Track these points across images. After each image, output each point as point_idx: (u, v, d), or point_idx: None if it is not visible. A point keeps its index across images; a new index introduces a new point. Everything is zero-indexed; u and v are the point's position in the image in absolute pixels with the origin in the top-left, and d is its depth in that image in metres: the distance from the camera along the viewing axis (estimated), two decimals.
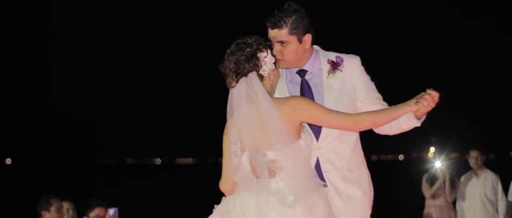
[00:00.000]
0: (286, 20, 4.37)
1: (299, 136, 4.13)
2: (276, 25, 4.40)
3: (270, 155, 4.08)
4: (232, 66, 4.17)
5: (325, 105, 4.30)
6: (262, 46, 4.18)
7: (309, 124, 4.31)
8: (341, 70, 4.50)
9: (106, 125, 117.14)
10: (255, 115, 4.11)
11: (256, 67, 4.16)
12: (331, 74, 4.51)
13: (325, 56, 4.56)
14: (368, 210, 4.54)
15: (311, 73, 4.54)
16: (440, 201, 11.12)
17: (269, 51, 4.20)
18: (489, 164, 11.04)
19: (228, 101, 4.22)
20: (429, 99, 4.13)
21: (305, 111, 4.11)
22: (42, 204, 8.52)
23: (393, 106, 4.21)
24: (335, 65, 4.49)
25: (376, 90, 4.57)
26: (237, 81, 4.16)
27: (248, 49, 4.15)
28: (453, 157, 12.08)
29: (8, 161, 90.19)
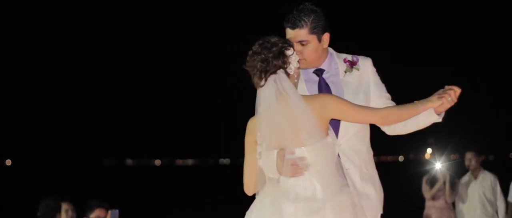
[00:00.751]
0: (306, 20, 4.42)
1: (327, 133, 4.15)
2: (296, 25, 4.43)
3: (299, 152, 4.08)
4: (259, 66, 4.15)
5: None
6: (287, 44, 4.20)
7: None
8: (358, 69, 4.58)
9: (106, 126, 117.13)
10: (285, 111, 4.09)
11: (284, 64, 4.16)
12: (348, 73, 4.58)
13: (340, 57, 4.63)
14: (381, 209, 4.59)
15: (328, 72, 4.59)
16: (440, 203, 11.12)
17: (292, 49, 4.22)
18: (488, 165, 11.08)
19: (257, 101, 4.21)
20: (452, 94, 4.18)
21: (335, 107, 4.13)
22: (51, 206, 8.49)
23: (416, 101, 4.23)
24: (352, 64, 4.57)
25: (386, 91, 4.62)
26: (266, 80, 4.14)
27: (274, 48, 4.15)
28: (453, 158, 12.09)
29: (8, 162, 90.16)
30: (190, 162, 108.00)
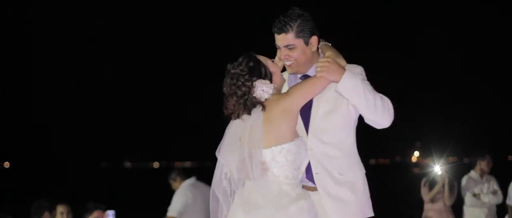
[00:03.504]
0: (292, 24, 4.48)
1: (292, 139, 4.35)
2: (282, 30, 4.50)
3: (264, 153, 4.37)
4: (235, 109, 4.44)
5: (318, 108, 4.49)
6: (250, 83, 4.38)
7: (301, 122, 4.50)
8: None
9: (104, 129, 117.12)
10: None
11: (256, 103, 4.38)
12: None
13: None
14: (363, 214, 4.52)
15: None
16: (439, 205, 11.11)
17: (260, 80, 4.38)
18: (464, 168, 11.20)
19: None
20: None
21: (293, 103, 4.34)
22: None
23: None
24: None
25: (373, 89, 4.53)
26: (248, 113, 4.40)
27: (239, 92, 4.38)
28: (452, 161, 12.11)
29: (7, 164, 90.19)
30: (188, 164, 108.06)
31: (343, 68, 4.40)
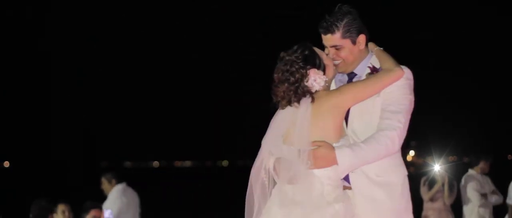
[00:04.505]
0: (338, 25, 4.39)
1: (338, 139, 4.31)
2: (328, 31, 4.41)
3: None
4: (285, 96, 4.35)
5: (356, 107, 4.41)
6: (304, 71, 4.31)
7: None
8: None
9: (104, 128, 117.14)
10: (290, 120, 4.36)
11: (307, 93, 4.31)
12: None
13: (373, 61, 4.52)
14: (397, 217, 4.43)
15: (359, 76, 4.52)
16: (438, 204, 11.11)
17: (313, 70, 4.31)
18: (464, 167, 11.20)
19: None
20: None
21: (344, 101, 4.30)
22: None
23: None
24: (374, 71, 4.46)
25: (400, 106, 4.41)
26: (298, 102, 4.34)
27: (292, 79, 4.30)
28: (451, 160, 12.13)
29: (7, 164, 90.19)
30: (188, 164, 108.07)
31: (333, 154, 4.21)
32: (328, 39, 4.42)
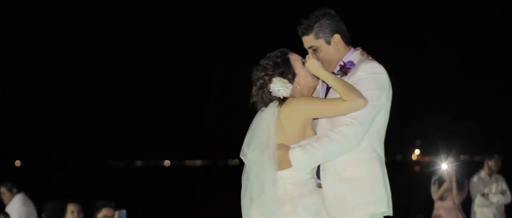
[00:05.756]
0: (311, 26, 4.56)
1: (301, 138, 4.45)
2: (303, 33, 4.60)
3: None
4: (254, 99, 4.58)
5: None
6: (268, 78, 4.51)
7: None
8: (348, 75, 4.52)
9: (115, 127, 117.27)
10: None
11: (273, 98, 4.51)
12: (340, 75, 4.57)
13: (353, 58, 4.59)
14: (363, 210, 4.44)
15: (337, 74, 4.58)
16: (448, 203, 11.11)
17: (278, 78, 4.48)
18: (474, 166, 11.18)
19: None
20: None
21: (296, 112, 4.44)
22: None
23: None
24: (343, 69, 4.56)
25: (366, 89, 4.43)
26: (265, 106, 4.55)
27: (258, 84, 4.53)
28: (463, 159, 12.12)
29: (18, 163, 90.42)
30: (199, 162, 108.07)
31: (287, 155, 4.40)
32: (305, 40, 4.60)
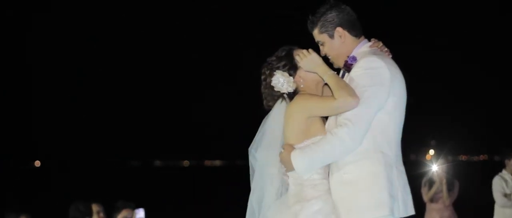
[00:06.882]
0: (315, 21, 4.52)
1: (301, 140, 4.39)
2: (309, 29, 4.58)
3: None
4: (265, 96, 4.58)
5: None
6: (268, 72, 4.52)
7: None
8: (349, 71, 4.44)
9: (134, 127, 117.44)
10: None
11: (277, 95, 4.52)
12: (346, 74, 4.53)
13: (359, 54, 4.49)
14: (365, 215, 4.28)
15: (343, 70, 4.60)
16: (439, 205, 11.11)
17: (279, 71, 4.47)
18: (496, 166, 11.10)
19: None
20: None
21: (295, 111, 4.40)
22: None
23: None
24: (346, 65, 4.48)
25: (359, 86, 4.31)
26: (273, 103, 4.56)
27: (262, 78, 4.55)
28: (464, 159, 12.09)
29: (37, 163, 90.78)
30: (218, 163, 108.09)
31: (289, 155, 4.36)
32: (314, 35, 4.57)
